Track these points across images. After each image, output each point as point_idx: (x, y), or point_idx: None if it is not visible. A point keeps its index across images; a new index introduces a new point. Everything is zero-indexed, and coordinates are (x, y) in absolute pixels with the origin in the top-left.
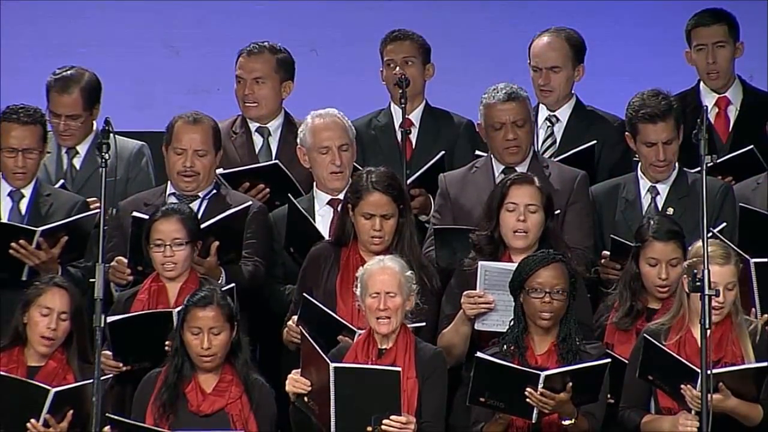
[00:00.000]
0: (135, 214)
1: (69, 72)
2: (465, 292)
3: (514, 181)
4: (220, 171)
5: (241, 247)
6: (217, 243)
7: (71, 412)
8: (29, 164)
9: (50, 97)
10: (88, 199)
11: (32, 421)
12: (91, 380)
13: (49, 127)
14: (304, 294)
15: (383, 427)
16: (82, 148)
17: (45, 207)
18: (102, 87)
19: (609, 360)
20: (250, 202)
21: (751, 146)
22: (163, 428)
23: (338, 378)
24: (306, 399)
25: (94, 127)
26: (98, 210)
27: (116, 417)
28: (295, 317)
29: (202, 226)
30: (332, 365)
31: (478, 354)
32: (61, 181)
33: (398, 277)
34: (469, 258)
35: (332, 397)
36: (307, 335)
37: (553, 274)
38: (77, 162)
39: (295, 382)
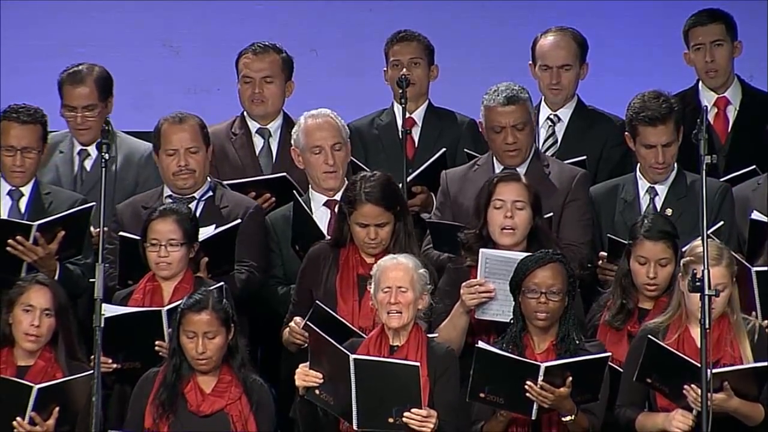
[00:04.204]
0: (122, 234)
1: (80, 67)
2: (465, 282)
3: (500, 179)
4: (227, 182)
5: (232, 261)
6: (206, 259)
7: (57, 409)
8: (27, 163)
9: (64, 92)
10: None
11: (18, 419)
12: (77, 375)
13: (66, 127)
14: (317, 302)
15: (404, 419)
16: (94, 150)
17: (44, 205)
18: (113, 81)
19: (609, 354)
20: (239, 221)
21: (754, 167)
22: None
23: (358, 370)
24: (317, 392)
25: None
26: (93, 204)
27: None
28: (297, 318)
29: None
30: (352, 357)
31: (479, 344)
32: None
33: (411, 273)
34: (460, 256)
35: (353, 388)
36: (317, 329)
37: (550, 275)
38: (88, 164)
39: (305, 375)
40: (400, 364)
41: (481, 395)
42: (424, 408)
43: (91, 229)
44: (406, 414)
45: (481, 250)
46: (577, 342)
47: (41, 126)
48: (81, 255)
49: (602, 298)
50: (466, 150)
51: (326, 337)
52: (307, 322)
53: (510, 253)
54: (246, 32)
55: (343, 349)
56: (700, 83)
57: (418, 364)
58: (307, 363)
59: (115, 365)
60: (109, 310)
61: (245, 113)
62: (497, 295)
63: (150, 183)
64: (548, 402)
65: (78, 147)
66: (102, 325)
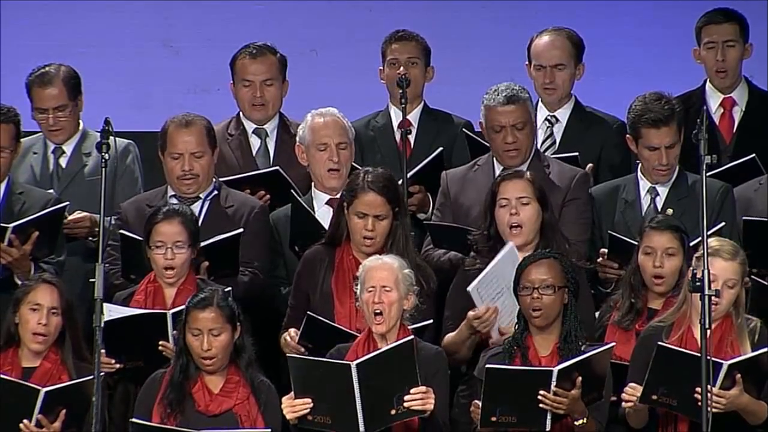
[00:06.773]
0: (122, 232)
1: (47, 68)
2: (471, 315)
3: (504, 178)
4: (221, 179)
5: (235, 266)
6: (206, 263)
7: (64, 411)
8: (0, 163)
9: (33, 95)
10: (75, 215)
11: (25, 421)
12: (85, 378)
13: (37, 127)
14: (309, 313)
15: (405, 404)
16: (68, 148)
17: (18, 205)
18: (81, 78)
19: (614, 344)
20: (241, 230)
21: (753, 155)
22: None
23: (361, 373)
24: (311, 417)
25: (81, 126)
26: (66, 204)
27: (141, 422)
28: (292, 331)
29: None
30: (353, 363)
31: (489, 365)
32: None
33: (396, 273)
34: (470, 257)
35: (357, 395)
36: (304, 357)
37: (542, 270)
38: (63, 161)
39: (292, 406)
40: (395, 347)
41: (493, 419)
42: (422, 385)
43: (68, 216)
44: (406, 398)
45: (468, 289)
46: (580, 343)
47: (14, 125)
48: (54, 254)
49: (611, 299)
50: (465, 130)
51: (318, 359)
52: (290, 356)
53: (487, 269)
54: (246, 32)
55: (339, 362)
56: (708, 83)
57: (412, 337)
58: (290, 395)
59: (118, 365)
60: (114, 311)
61: (241, 114)
62: (502, 310)
63: (127, 175)
64: (563, 408)
65: (52, 146)
66: (102, 325)
